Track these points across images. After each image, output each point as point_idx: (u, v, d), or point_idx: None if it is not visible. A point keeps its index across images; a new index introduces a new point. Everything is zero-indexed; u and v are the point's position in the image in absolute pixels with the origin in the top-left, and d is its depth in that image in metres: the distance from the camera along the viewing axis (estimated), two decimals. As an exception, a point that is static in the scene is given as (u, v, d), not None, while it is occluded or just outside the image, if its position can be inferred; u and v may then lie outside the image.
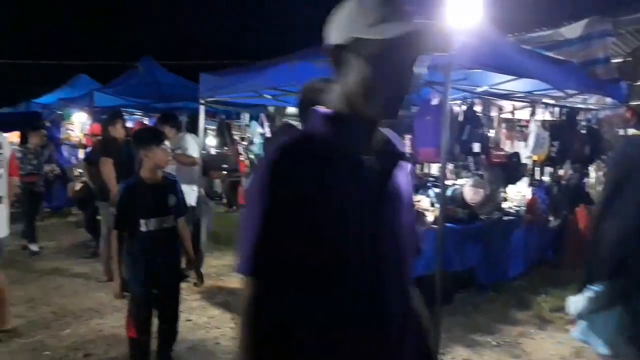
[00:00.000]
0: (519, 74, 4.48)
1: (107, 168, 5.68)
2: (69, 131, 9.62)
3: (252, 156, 6.87)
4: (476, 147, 5.05)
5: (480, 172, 5.42)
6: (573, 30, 7.19)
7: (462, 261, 5.20)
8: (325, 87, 1.50)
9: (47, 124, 9.88)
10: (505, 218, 5.65)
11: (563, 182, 6.61)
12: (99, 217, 7.19)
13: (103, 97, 8.96)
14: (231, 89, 5.67)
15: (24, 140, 8.54)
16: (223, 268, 6.80)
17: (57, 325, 4.60)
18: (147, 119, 10.79)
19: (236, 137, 9.32)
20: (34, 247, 7.30)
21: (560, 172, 6.71)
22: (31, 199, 7.44)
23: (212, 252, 6.91)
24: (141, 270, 3.32)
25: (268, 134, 6.76)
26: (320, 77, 2.36)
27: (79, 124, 9.82)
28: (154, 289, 3.39)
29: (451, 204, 5.07)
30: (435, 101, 4.33)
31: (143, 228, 3.26)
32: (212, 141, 9.08)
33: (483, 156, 5.32)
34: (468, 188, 4.99)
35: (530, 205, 5.98)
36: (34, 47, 26.02)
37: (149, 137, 3.41)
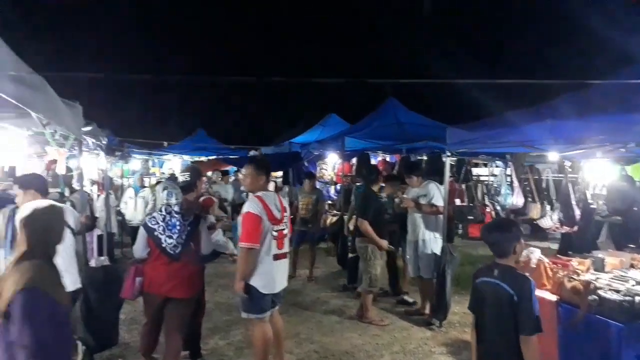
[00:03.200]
0: None
1: (364, 227, 6.30)
2: (323, 170, 10.73)
3: (498, 207, 6.64)
4: None
5: None
6: None
7: None
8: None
9: (305, 163, 11.23)
10: None
11: None
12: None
13: (351, 139, 9.81)
14: (480, 145, 5.63)
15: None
16: (466, 316, 6.72)
17: (321, 366, 5.14)
18: (388, 156, 11.37)
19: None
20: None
21: None
22: None
23: (454, 297, 6.86)
24: None
25: (516, 182, 6.50)
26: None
27: (331, 164, 10.88)
28: None
29: None
30: None
31: None
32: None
33: None
34: None
35: None
36: (292, 92, 29.45)
37: None
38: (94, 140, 5.71)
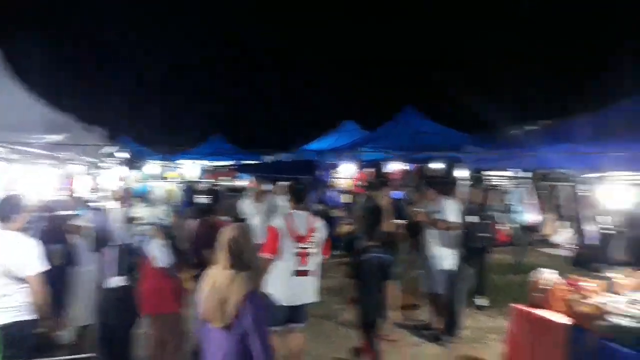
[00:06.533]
0: None
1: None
2: (336, 179, 10.78)
3: (512, 224, 6.56)
4: None
5: None
6: None
7: None
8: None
9: (319, 171, 11.26)
10: None
11: None
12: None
13: (367, 149, 9.84)
14: (497, 165, 5.65)
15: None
16: (477, 332, 6.72)
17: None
18: (407, 165, 11.35)
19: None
20: None
21: None
22: None
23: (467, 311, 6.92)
24: None
25: (532, 199, 6.48)
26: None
27: (346, 173, 10.91)
28: None
29: None
30: None
31: None
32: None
33: None
34: None
35: None
36: (306, 91, 29.20)
37: None
38: (114, 160, 5.86)
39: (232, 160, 15.39)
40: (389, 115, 11.46)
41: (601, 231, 5.60)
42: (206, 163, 16.94)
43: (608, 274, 5.30)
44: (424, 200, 6.88)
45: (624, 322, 4.10)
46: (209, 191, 5.31)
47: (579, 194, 5.90)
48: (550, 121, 8.14)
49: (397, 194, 9.86)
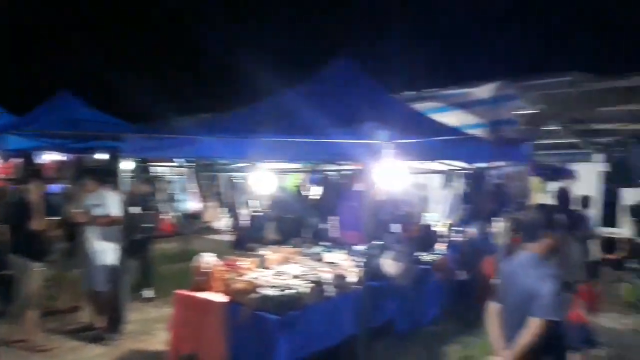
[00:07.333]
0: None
1: None
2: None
3: (176, 214, 6.70)
4: (394, 227, 5.39)
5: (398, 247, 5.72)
6: (483, 91, 7.80)
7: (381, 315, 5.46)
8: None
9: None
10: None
11: (471, 238, 7.17)
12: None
13: (15, 137, 8.51)
14: (160, 153, 5.62)
15: None
16: (144, 324, 6.64)
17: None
18: (65, 156, 10.31)
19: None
20: None
21: (470, 229, 7.24)
22: None
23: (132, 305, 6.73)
24: None
25: (194, 188, 6.74)
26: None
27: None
28: None
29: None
30: (358, 187, 4.56)
31: None
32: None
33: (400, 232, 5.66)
34: (388, 262, 5.28)
35: (440, 264, 6.47)
36: None
37: None
38: None
39: None
40: (41, 100, 10.25)
41: (253, 214, 6.25)
42: None
43: (261, 252, 5.99)
44: (84, 193, 6.36)
45: (270, 292, 4.65)
46: None
47: (234, 181, 6.52)
48: (209, 115, 8.72)
49: (54, 187, 8.92)
